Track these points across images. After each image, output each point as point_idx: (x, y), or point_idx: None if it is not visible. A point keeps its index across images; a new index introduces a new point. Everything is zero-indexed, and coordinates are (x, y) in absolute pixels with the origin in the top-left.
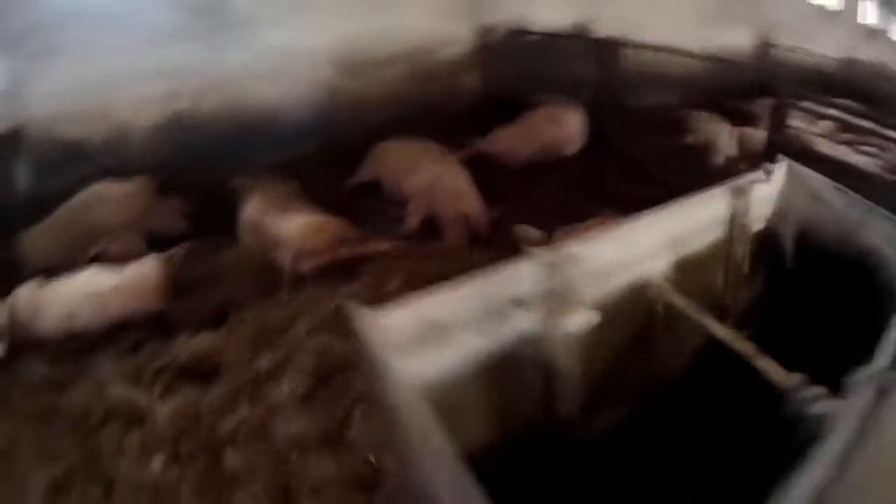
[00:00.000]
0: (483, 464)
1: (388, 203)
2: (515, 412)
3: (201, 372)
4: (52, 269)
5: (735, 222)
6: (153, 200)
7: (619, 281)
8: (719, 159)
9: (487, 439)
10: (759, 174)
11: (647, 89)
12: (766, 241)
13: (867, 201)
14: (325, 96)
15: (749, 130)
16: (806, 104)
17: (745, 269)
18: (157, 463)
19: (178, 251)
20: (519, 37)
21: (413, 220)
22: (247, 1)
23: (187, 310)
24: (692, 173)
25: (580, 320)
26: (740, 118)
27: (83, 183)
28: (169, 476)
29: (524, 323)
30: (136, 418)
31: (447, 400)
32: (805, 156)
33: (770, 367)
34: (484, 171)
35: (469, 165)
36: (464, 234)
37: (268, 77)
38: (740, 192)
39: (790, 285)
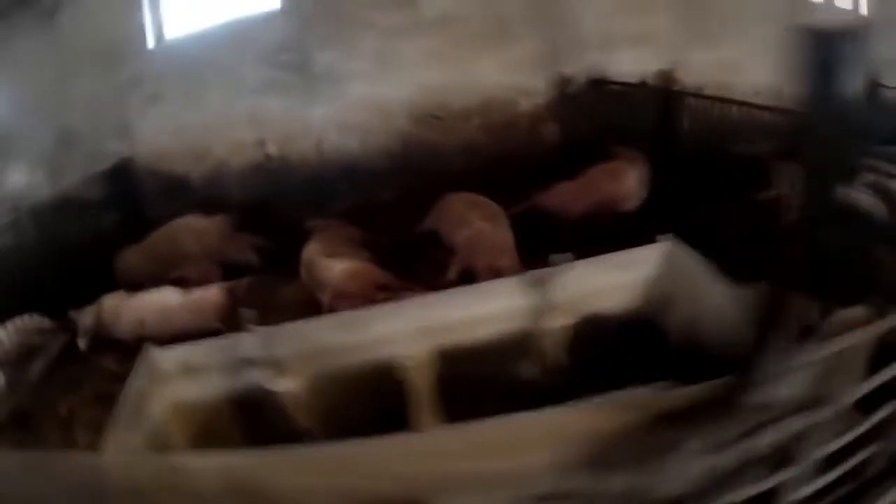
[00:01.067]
0: None
1: (444, 253)
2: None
3: None
4: (138, 285)
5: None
6: (230, 235)
7: (351, 360)
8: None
9: None
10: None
11: (734, 138)
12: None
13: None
14: (401, 147)
15: None
16: None
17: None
18: None
19: (242, 282)
20: (597, 87)
21: (453, 272)
22: (331, 57)
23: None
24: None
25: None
26: None
27: (181, 213)
28: None
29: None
30: None
31: (202, 419)
32: None
33: None
34: (538, 225)
35: (525, 219)
36: None
37: (348, 127)
38: (538, 283)
39: None
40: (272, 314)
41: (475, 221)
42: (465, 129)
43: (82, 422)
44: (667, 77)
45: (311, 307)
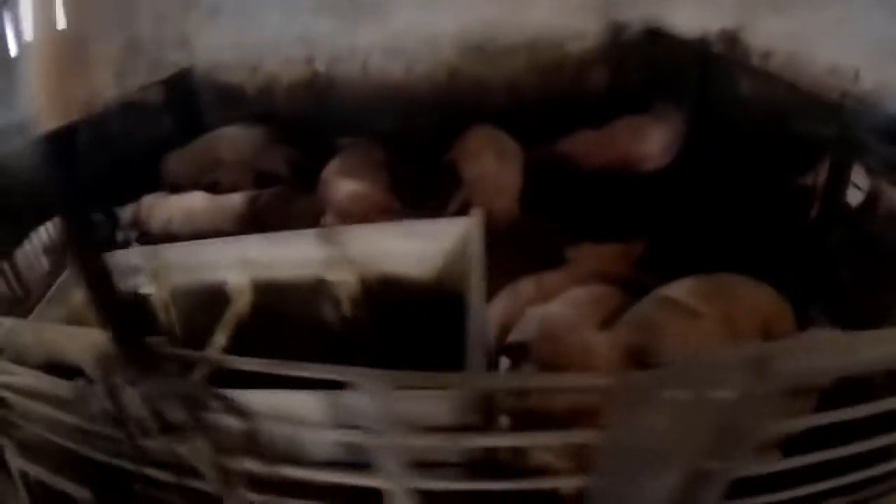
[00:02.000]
0: None
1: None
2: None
3: None
4: (177, 187)
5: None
6: (266, 146)
7: (193, 278)
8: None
9: None
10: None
11: (794, 115)
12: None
13: None
14: (445, 76)
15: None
16: None
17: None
18: None
19: (266, 193)
20: (653, 38)
21: (453, 206)
22: None
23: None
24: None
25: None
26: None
27: (233, 122)
28: None
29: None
30: None
31: None
32: None
33: None
34: (553, 174)
35: (543, 166)
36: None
37: (394, 53)
38: (328, 238)
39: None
40: (288, 226)
41: (484, 159)
42: (511, 66)
43: None
44: (730, 38)
45: (316, 224)
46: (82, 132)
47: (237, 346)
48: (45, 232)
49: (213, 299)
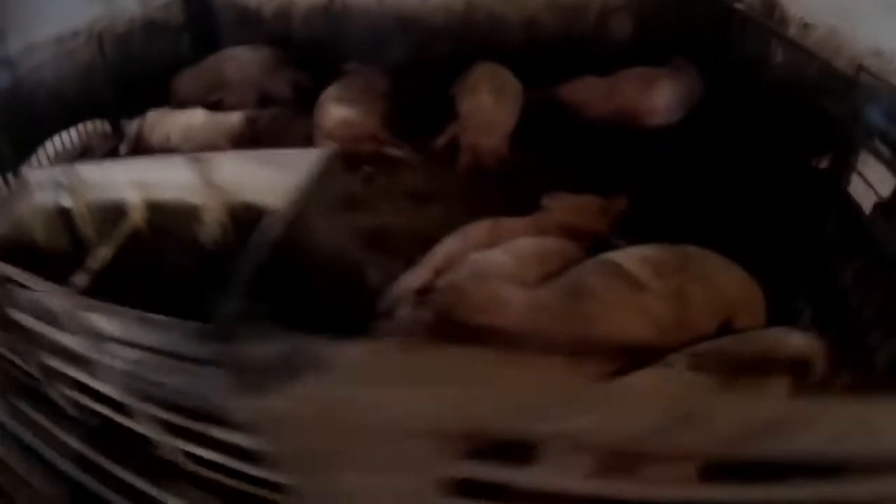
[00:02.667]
0: None
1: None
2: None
3: None
4: (185, 104)
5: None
6: (272, 68)
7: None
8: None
9: None
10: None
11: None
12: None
13: None
14: (462, 8)
15: None
16: None
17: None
18: None
19: (265, 113)
20: None
21: (442, 139)
22: None
23: None
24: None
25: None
26: None
27: (249, 43)
28: None
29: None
30: None
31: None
32: None
33: None
34: (555, 119)
35: (544, 108)
36: (468, 165)
37: None
38: (200, 163)
39: None
40: (274, 145)
41: (480, 95)
42: (530, 4)
43: None
44: (767, 3)
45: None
46: (108, 48)
47: (132, 258)
48: (52, 145)
49: (117, 215)
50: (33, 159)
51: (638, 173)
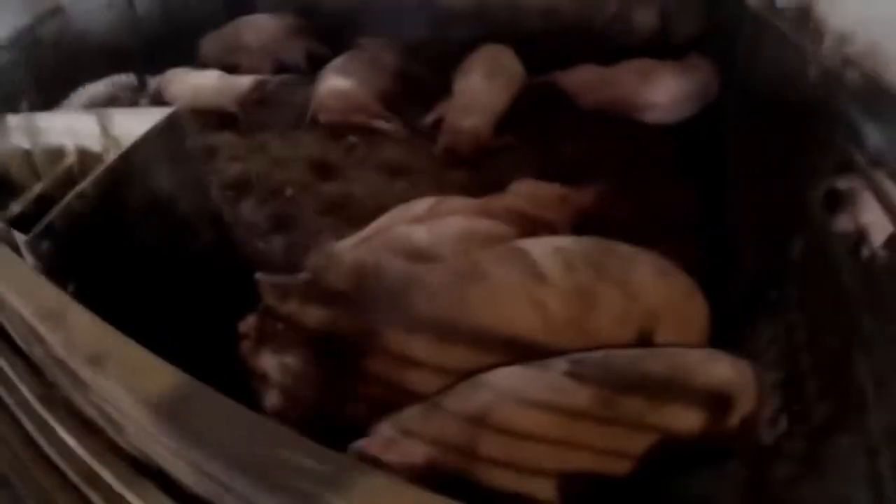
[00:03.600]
0: None
1: None
2: None
3: None
4: (206, 64)
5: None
6: (288, 36)
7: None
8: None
9: None
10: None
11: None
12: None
13: None
14: None
15: None
16: None
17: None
18: None
19: (275, 79)
20: None
21: (430, 117)
22: None
23: (249, 119)
24: None
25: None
26: None
27: (282, 10)
28: None
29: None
30: None
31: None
32: None
33: None
34: (551, 106)
35: (543, 93)
36: (445, 144)
37: None
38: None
39: None
40: (276, 110)
41: (472, 75)
42: None
43: None
44: (803, 9)
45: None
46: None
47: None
48: (85, 92)
49: (58, 157)
50: (65, 105)
51: (622, 168)
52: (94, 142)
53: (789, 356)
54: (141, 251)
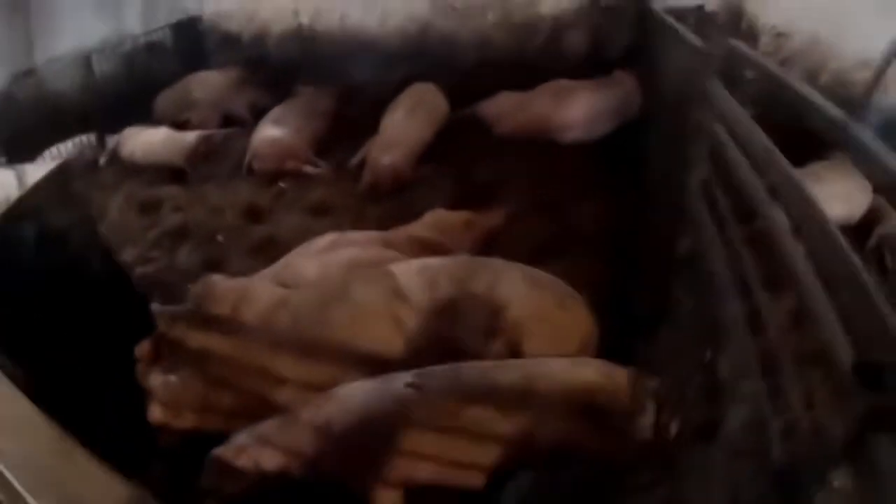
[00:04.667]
0: None
1: None
2: None
3: None
4: (160, 120)
5: None
6: (233, 89)
7: None
8: None
9: None
10: None
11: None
12: None
13: None
14: (417, 31)
15: None
16: None
17: None
18: None
19: (218, 133)
20: (641, 3)
21: (357, 157)
22: None
23: (195, 172)
24: None
25: None
26: None
27: (232, 64)
28: None
29: None
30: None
31: None
32: None
33: None
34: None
35: (465, 124)
36: (367, 181)
37: (370, 7)
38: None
39: None
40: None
41: (394, 113)
42: (481, 24)
43: None
44: (733, 10)
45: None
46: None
47: None
48: (56, 150)
49: None
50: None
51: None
52: (13, 190)
53: (673, 363)
54: (37, 279)
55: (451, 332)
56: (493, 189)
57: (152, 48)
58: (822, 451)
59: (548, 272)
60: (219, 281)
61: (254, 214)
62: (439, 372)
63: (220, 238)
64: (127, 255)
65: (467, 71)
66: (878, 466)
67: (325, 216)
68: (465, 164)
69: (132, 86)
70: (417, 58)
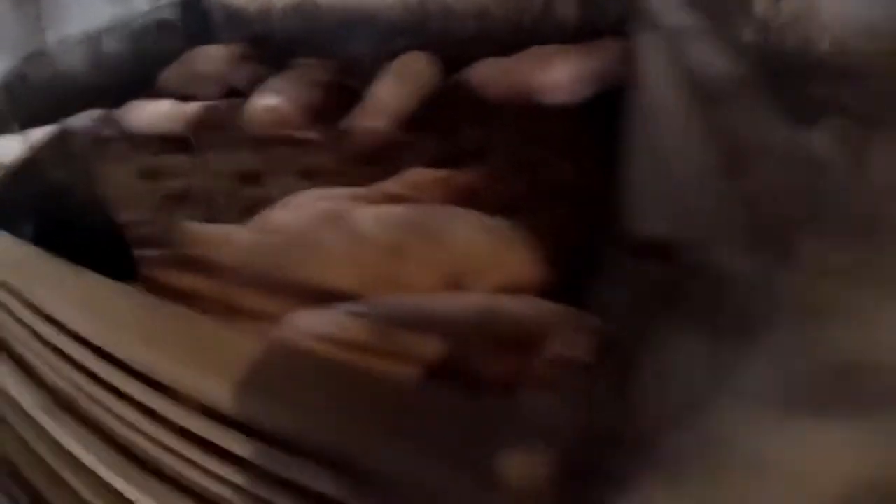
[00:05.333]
0: None
1: None
2: None
3: None
4: (166, 95)
5: None
6: (236, 63)
7: None
8: None
9: None
10: None
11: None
12: None
13: None
14: (418, 4)
15: None
16: None
17: None
18: None
19: (221, 103)
20: None
21: (344, 122)
22: None
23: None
24: None
25: None
26: None
27: (237, 40)
28: None
29: None
30: None
31: None
32: None
33: None
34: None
35: (453, 91)
36: (355, 145)
37: None
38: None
39: None
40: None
41: (382, 79)
42: None
43: None
44: None
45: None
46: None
47: None
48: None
49: None
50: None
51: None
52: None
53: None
54: (41, 232)
55: (400, 270)
56: (477, 151)
57: (161, 26)
58: None
59: (516, 224)
60: (198, 226)
61: (248, 178)
62: (381, 301)
63: (218, 200)
64: (127, 216)
65: (466, 42)
66: None
67: (314, 178)
68: (450, 128)
69: (141, 63)
70: (417, 29)
